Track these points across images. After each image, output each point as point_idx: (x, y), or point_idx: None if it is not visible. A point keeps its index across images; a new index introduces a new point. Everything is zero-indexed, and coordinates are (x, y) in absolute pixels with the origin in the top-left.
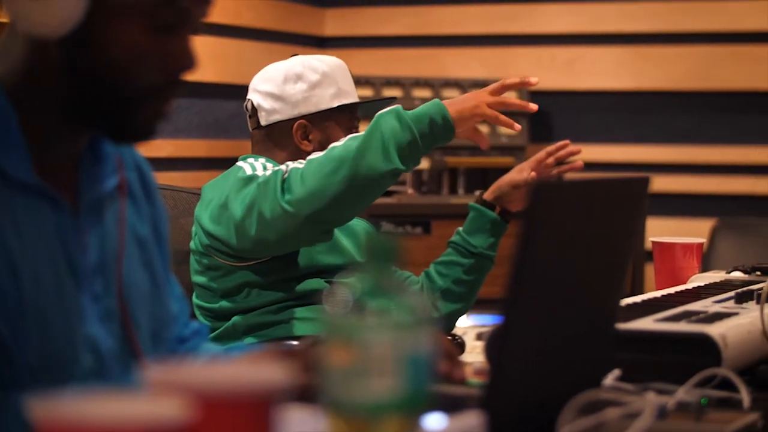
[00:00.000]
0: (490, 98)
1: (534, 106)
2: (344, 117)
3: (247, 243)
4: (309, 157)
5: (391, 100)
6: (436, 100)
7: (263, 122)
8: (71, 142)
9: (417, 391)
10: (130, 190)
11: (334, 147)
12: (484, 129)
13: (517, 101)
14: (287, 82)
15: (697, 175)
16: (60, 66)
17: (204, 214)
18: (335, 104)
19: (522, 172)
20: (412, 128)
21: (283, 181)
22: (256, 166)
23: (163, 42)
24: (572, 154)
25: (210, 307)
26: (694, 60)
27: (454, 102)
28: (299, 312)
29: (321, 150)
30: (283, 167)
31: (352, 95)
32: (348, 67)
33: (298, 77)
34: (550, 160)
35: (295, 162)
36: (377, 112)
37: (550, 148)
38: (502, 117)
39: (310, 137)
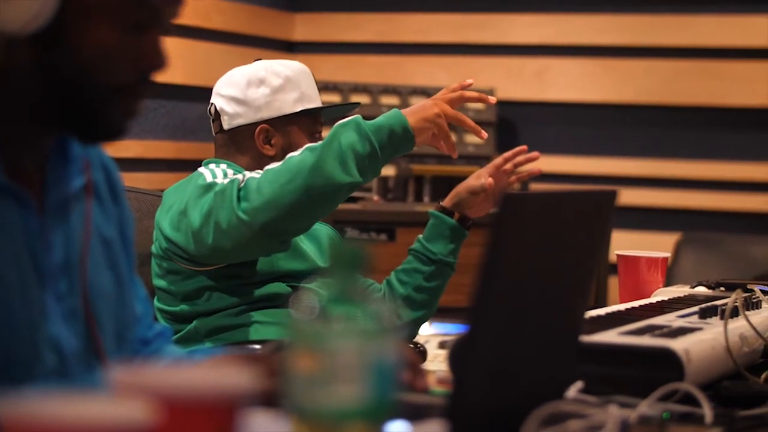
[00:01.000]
0: (448, 110)
1: (492, 99)
2: (307, 122)
3: (204, 250)
4: (267, 167)
5: (355, 106)
6: (396, 109)
7: (226, 126)
8: (39, 141)
9: (381, 399)
10: (97, 190)
11: (291, 156)
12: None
13: (475, 95)
14: (250, 86)
15: (662, 189)
16: (29, 64)
17: (164, 219)
18: (298, 109)
19: (479, 178)
20: (371, 139)
21: (240, 189)
22: (216, 173)
23: (134, 41)
24: (530, 160)
25: (171, 310)
26: (661, 74)
27: (414, 111)
28: (260, 315)
29: (283, 155)
30: (239, 176)
31: (315, 100)
32: (316, 72)
33: (261, 81)
34: (508, 166)
35: (254, 172)
36: (341, 117)
37: (507, 154)
38: (467, 123)
39: (273, 142)
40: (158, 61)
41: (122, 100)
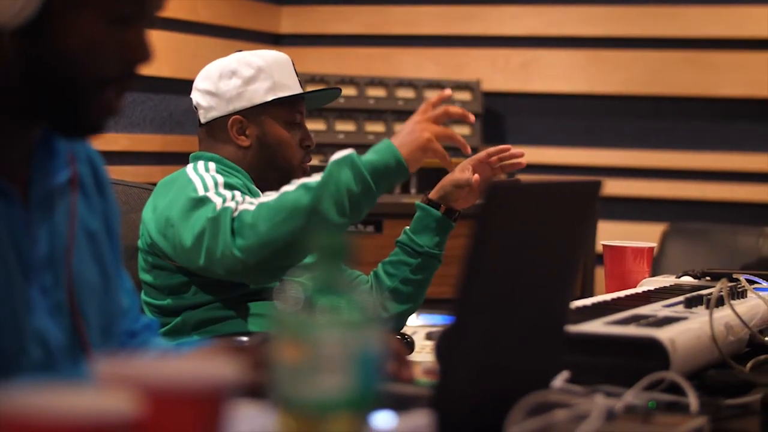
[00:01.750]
0: (437, 130)
1: (472, 118)
2: (281, 111)
3: (193, 267)
4: (260, 200)
5: (336, 92)
6: (387, 141)
7: (202, 120)
8: (24, 135)
9: (366, 389)
10: (82, 183)
11: (286, 193)
12: None
13: (459, 111)
14: (222, 78)
15: (648, 180)
16: (14, 58)
17: (151, 219)
18: (269, 98)
19: (464, 171)
20: (366, 178)
21: (233, 220)
22: (207, 181)
23: (119, 34)
24: (515, 157)
25: (158, 303)
26: (648, 65)
27: (406, 142)
28: (247, 308)
29: (259, 146)
30: (232, 205)
31: (290, 88)
32: (303, 65)
33: (233, 73)
34: (493, 159)
35: (245, 200)
36: (324, 102)
37: (491, 149)
38: (455, 139)
39: (247, 132)
40: (143, 53)
41: (107, 93)
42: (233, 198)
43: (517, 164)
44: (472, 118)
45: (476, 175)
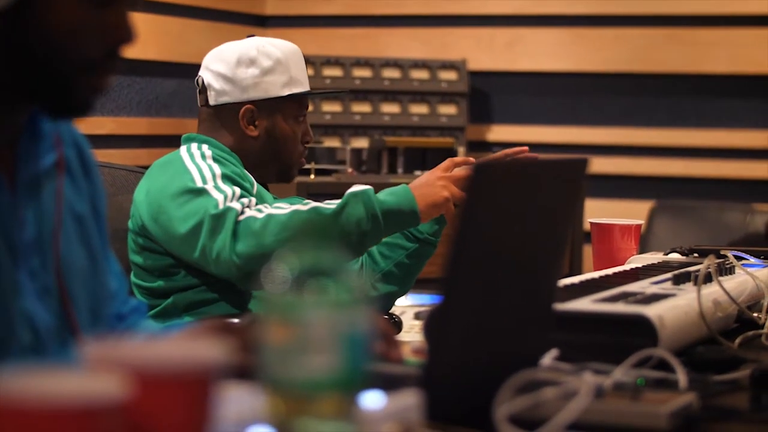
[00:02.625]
0: (456, 192)
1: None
2: (292, 106)
3: (185, 258)
4: (270, 212)
5: (343, 93)
6: (406, 188)
7: (212, 102)
8: (9, 119)
9: (354, 370)
10: (69, 166)
11: (298, 212)
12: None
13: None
14: (240, 65)
15: (635, 157)
16: None
17: (143, 202)
18: (285, 93)
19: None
20: (379, 219)
21: (237, 222)
22: (204, 171)
23: (101, 15)
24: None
25: (147, 285)
26: (632, 43)
27: (425, 194)
28: (237, 289)
29: (267, 137)
30: (237, 206)
31: (303, 84)
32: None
33: (252, 62)
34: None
35: (251, 206)
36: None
37: (508, 151)
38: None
39: (257, 123)
40: (126, 35)
41: (91, 75)
42: (234, 196)
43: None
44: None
45: None
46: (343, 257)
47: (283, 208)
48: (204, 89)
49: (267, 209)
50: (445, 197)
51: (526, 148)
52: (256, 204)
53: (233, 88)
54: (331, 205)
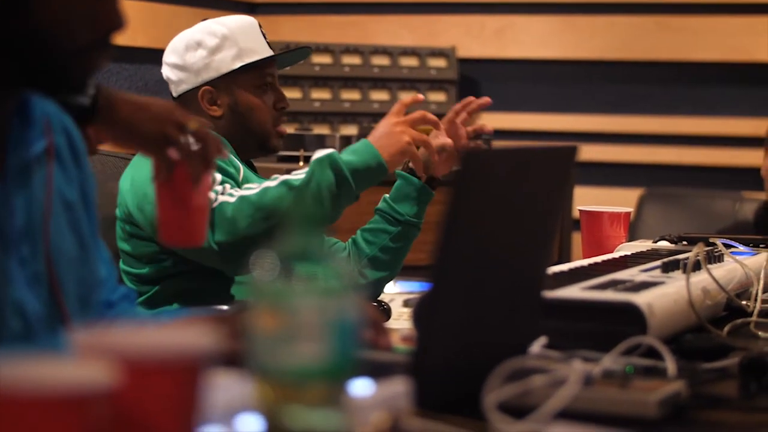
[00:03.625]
0: (415, 135)
1: (441, 126)
2: (250, 76)
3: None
4: (241, 194)
5: (307, 51)
6: (367, 143)
7: (175, 94)
8: None
9: (343, 357)
10: (58, 154)
11: (268, 189)
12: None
13: (434, 119)
14: (188, 50)
15: (624, 145)
16: None
17: (128, 191)
18: (237, 65)
19: (438, 137)
20: (348, 180)
21: (212, 211)
22: None
23: (92, 2)
24: (482, 106)
25: (136, 272)
26: (622, 30)
27: (386, 144)
28: (226, 276)
29: (232, 115)
30: (210, 195)
31: (257, 52)
32: (277, 33)
33: (198, 44)
34: (461, 117)
35: (225, 188)
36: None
37: (456, 106)
38: (430, 148)
39: (218, 102)
40: (116, 21)
41: (82, 61)
42: (214, 183)
43: (483, 128)
44: (441, 127)
45: (449, 140)
46: (323, 225)
47: (252, 188)
48: (167, 84)
49: (238, 192)
50: (406, 142)
51: (471, 98)
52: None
53: (187, 74)
54: (299, 175)
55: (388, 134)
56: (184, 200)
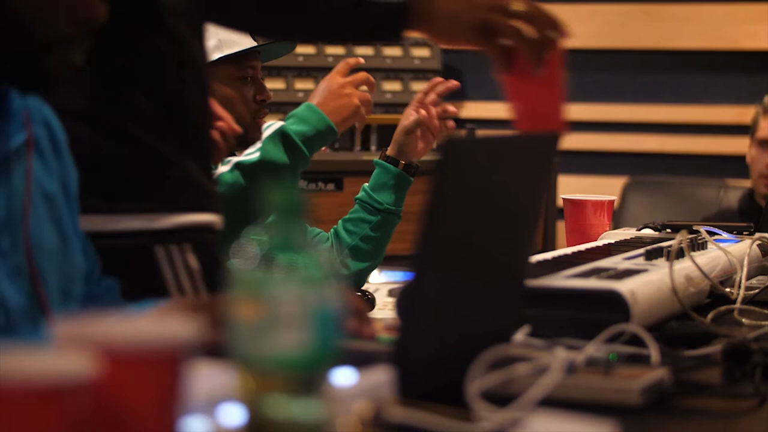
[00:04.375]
0: (362, 95)
1: (372, 81)
2: (229, 68)
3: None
4: None
5: (288, 44)
6: (314, 108)
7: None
8: None
9: (325, 346)
10: (38, 146)
11: (222, 175)
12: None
13: (373, 81)
14: None
15: (608, 133)
16: None
17: None
18: (215, 57)
19: (409, 117)
20: (301, 149)
21: None
22: None
23: None
24: (449, 89)
25: None
26: (604, 19)
27: (334, 109)
28: None
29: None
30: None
31: (238, 44)
32: None
33: None
34: (431, 98)
35: None
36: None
37: (425, 87)
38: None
39: None
40: (96, 11)
41: (59, 52)
42: None
43: (450, 109)
44: (372, 83)
45: (422, 111)
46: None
47: None
48: None
49: None
50: (355, 105)
51: (440, 79)
52: None
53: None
54: (252, 155)
55: (336, 96)
56: (529, 88)
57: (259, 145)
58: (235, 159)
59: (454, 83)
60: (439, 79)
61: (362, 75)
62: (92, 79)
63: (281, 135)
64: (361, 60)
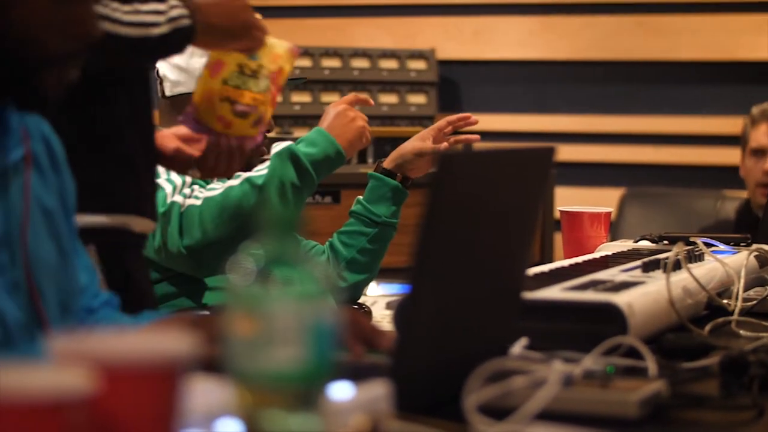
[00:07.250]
0: (364, 116)
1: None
2: None
3: (149, 255)
4: (205, 195)
5: (302, 80)
6: (324, 132)
7: (168, 93)
8: None
9: (321, 361)
10: (36, 161)
11: (231, 189)
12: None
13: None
14: (194, 54)
15: (605, 145)
16: None
17: None
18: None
19: (425, 140)
20: (310, 172)
21: (180, 215)
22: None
23: (66, 10)
24: (469, 124)
25: None
26: (599, 30)
27: (342, 133)
28: (209, 281)
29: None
30: (179, 199)
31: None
32: None
33: (204, 52)
34: (449, 128)
35: (193, 191)
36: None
37: (451, 118)
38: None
39: None
40: (91, 30)
41: (55, 69)
42: (177, 189)
43: (470, 138)
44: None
45: (444, 144)
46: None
47: (216, 188)
48: (161, 81)
49: (203, 192)
50: (361, 126)
51: (468, 114)
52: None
53: (188, 77)
54: (261, 171)
55: (344, 123)
56: None
57: (268, 163)
58: (245, 175)
59: (474, 120)
60: (466, 115)
61: (352, 96)
62: None
63: (290, 153)
64: (371, 101)
